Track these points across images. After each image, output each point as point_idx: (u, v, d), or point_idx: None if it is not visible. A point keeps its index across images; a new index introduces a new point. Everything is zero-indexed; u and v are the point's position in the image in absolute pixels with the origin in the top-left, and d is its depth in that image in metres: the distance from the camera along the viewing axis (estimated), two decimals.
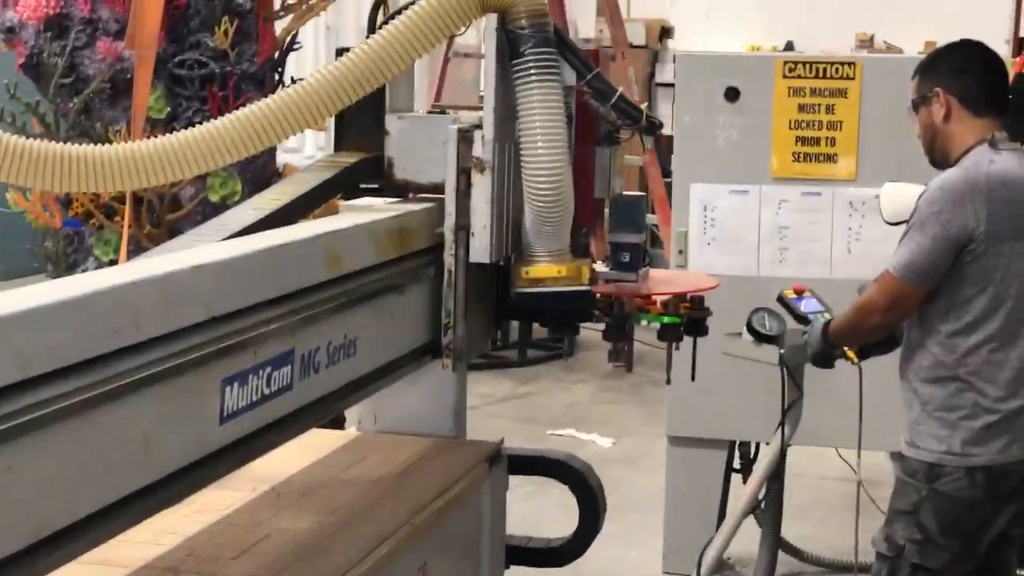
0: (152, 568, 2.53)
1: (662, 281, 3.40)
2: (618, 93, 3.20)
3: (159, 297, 2.15)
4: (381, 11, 3.24)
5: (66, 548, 1.97)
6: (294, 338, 2.50)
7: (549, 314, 3.27)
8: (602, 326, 3.39)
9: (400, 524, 2.87)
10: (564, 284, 3.11)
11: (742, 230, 5.30)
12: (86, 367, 1.97)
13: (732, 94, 5.30)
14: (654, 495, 5.84)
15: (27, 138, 5.80)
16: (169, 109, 5.96)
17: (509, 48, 3.05)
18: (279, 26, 6.14)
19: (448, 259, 3.06)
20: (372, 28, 3.20)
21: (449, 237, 3.06)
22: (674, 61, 11.62)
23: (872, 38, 12.28)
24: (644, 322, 3.29)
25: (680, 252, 5.41)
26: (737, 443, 5.38)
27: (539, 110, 3.00)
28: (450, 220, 3.06)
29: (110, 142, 6.12)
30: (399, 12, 2.89)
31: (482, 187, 3.08)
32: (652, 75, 12.62)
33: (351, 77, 2.72)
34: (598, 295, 3.21)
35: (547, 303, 3.13)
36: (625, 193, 3.43)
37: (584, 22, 11.86)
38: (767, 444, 4.43)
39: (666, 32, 12.94)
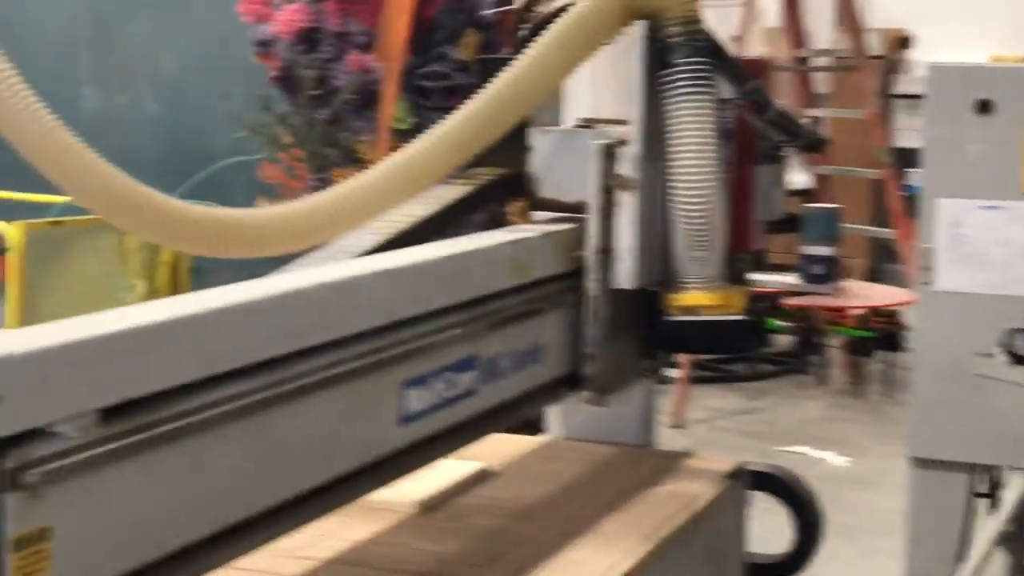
0: (407, 572, 2.58)
1: (855, 294, 3.31)
2: (778, 107, 3.06)
3: (341, 300, 2.23)
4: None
5: (246, 539, 2.06)
6: (476, 343, 2.56)
7: (701, 345, 3.14)
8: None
9: (645, 539, 2.83)
10: (717, 312, 2.97)
11: (992, 247, 5.12)
12: (268, 367, 2.06)
13: (984, 107, 5.13)
14: (891, 517, 5.70)
15: (275, 152, 6.02)
16: (414, 120, 6.14)
17: (659, 58, 2.91)
18: None
19: (590, 284, 2.94)
20: (517, 39, 3.16)
21: (591, 260, 2.93)
22: (912, 71, 11.32)
23: None
24: (835, 335, 3.21)
25: (925, 269, 5.27)
26: (983, 467, 5.21)
27: (689, 125, 2.85)
28: (592, 242, 2.93)
29: (357, 152, 6.38)
30: (545, 22, 2.84)
31: (627, 207, 2.94)
32: (889, 86, 12.31)
33: (498, 108, 2.66)
34: (786, 308, 3.14)
35: (699, 333, 3.01)
36: (819, 205, 3.33)
37: (821, 32, 11.65)
38: (1015, 468, 4.27)
39: (905, 42, 12.60)
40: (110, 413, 1.75)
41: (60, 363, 1.67)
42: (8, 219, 6.49)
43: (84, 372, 1.71)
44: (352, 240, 2.69)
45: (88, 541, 1.72)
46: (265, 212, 2.59)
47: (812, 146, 3.14)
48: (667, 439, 7.05)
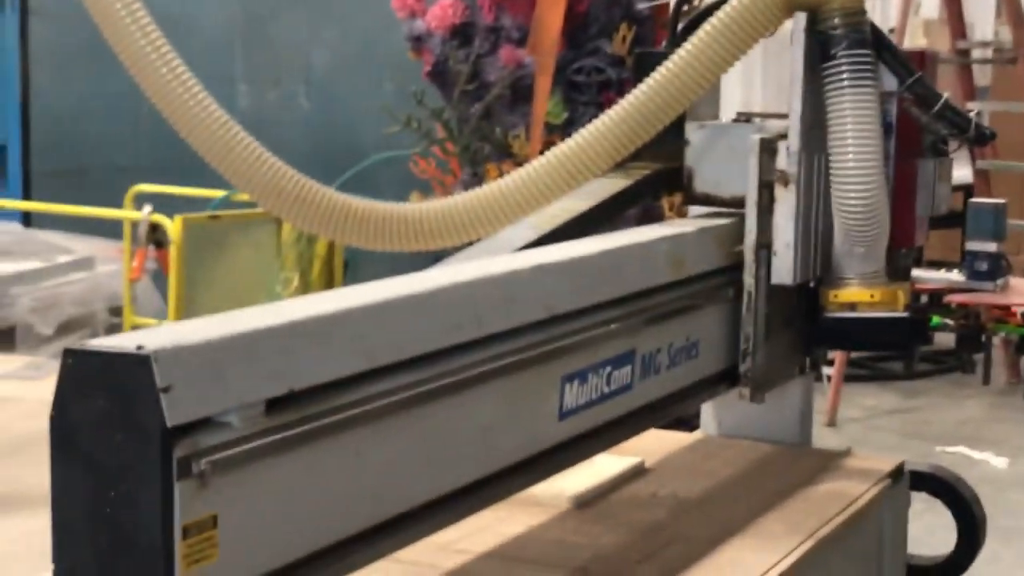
0: (562, 567, 2.59)
1: (1021, 292, 3.22)
2: (943, 99, 2.94)
3: (501, 294, 2.23)
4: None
5: (404, 532, 2.07)
6: (635, 338, 2.54)
7: (861, 342, 3.08)
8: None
9: (804, 537, 2.80)
10: (878, 309, 2.93)
11: None
12: (428, 360, 2.07)
13: None
14: None
15: (428, 147, 6.07)
16: (567, 114, 6.14)
17: (820, 50, 2.86)
18: None
19: (748, 280, 2.91)
20: (674, 33, 3.13)
21: (749, 256, 2.91)
22: None
23: None
24: (1001, 333, 3.12)
25: None
26: None
27: (851, 118, 2.80)
28: (750, 237, 2.90)
29: (510, 147, 6.39)
30: (703, 16, 2.82)
31: (786, 202, 2.91)
32: None
33: (656, 104, 2.65)
34: (952, 305, 3.07)
35: (859, 330, 2.96)
36: (983, 200, 3.24)
37: (982, 23, 11.37)
38: None
39: None
40: (275, 404, 1.77)
41: (228, 354, 1.70)
42: (169, 214, 6.63)
43: (251, 364, 1.74)
44: (510, 234, 2.70)
45: (253, 530, 1.75)
46: (426, 206, 2.62)
47: (980, 140, 3.04)
48: (820, 437, 6.96)
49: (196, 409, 1.64)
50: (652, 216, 5.42)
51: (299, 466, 1.82)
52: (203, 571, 1.65)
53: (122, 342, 1.61)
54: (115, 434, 1.60)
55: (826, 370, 7.29)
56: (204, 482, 1.63)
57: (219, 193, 6.97)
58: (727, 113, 3.37)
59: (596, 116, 2.68)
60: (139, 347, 1.59)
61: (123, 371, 1.59)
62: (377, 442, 1.97)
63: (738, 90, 7.63)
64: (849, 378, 7.81)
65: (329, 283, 7.29)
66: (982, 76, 10.25)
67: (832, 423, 7.41)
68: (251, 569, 1.75)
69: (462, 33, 6.35)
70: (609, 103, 2.71)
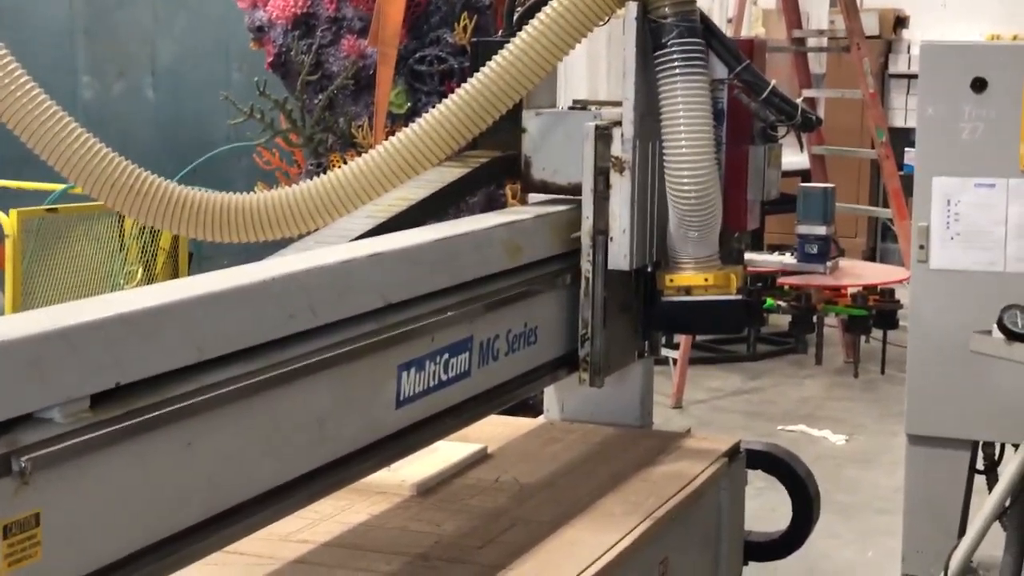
0: (404, 554, 2.60)
1: (851, 273, 3.30)
2: (770, 87, 3.00)
3: (335, 284, 2.23)
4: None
5: (240, 523, 2.06)
6: (472, 325, 2.55)
7: (697, 325, 3.13)
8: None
9: (643, 517, 2.85)
10: (713, 293, 2.98)
11: (988, 225, 5.11)
12: (261, 351, 2.06)
13: (979, 85, 5.10)
14: (890, 495, 5.71)
15: (272, 138, 5.97)
16: (410, 104, 6.13)
17: (651, 39, 2.90)
18: None
19: (585, 266, 2.94)
20: (510, 21, 3.15)
21: (586, 242, 2.93)
22: (908, 51, 11.31)
23: None
24: (832, 314, 3.19)
25: (921, 247, 5.25)
26: (981, 444, 5.21)
27: (683, 105, 2.85)
28: (587, 224, 2.92)
29: (353, 137, 6.37)
30: (538, 5, 2.84)
31: (621, 189, 2.93)
32: (885, 66, 12.30)
33: (493, 91, 2.67)
34: (785, 287, 3.13)
35: (694, 313, 3.02)
36: (812, 184, 3.32)
37: (817, 13, 11.62)
38: (1013, 445, 4.28)
39: (900, 22, 12.58)
40: (101, 398, 1.75)
41: (50, 349, 1.67)
42: (4, 207, 6.49)
43: (74, 358, 1.71)
44: (347, 224, 2.69)
45: (80, 527, 1.72)
46: (263, 197, 2.60)
47: (806, 126, 3.11)
48: (667, 420, 7.07)
49: (15, 405, 1.61)
50: (495, 204, 5.44)
51: (128, 460, 1.80)
52: (25, 571, 1.62)
53: None
54: None
55: (672, 353, 7.40)
56: (25, 479, 1.61)
57: (58, 186, 6.84)
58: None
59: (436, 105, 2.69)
60: None
61: None
62: (209, 433, 1.96)
63: (584, 79, 7.70)
64: (694, 361, 7.93)
65: (174, 275, 7.18)
66: (818, 64, 10.48)
67: (678, 405, 7.52)
68: (78, 567, 1.72)
69: (304, 23, 6.29)
70: (451, 92, 2.73)
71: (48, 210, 6.74)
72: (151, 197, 2.42)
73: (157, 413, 1.83)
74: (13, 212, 6.43)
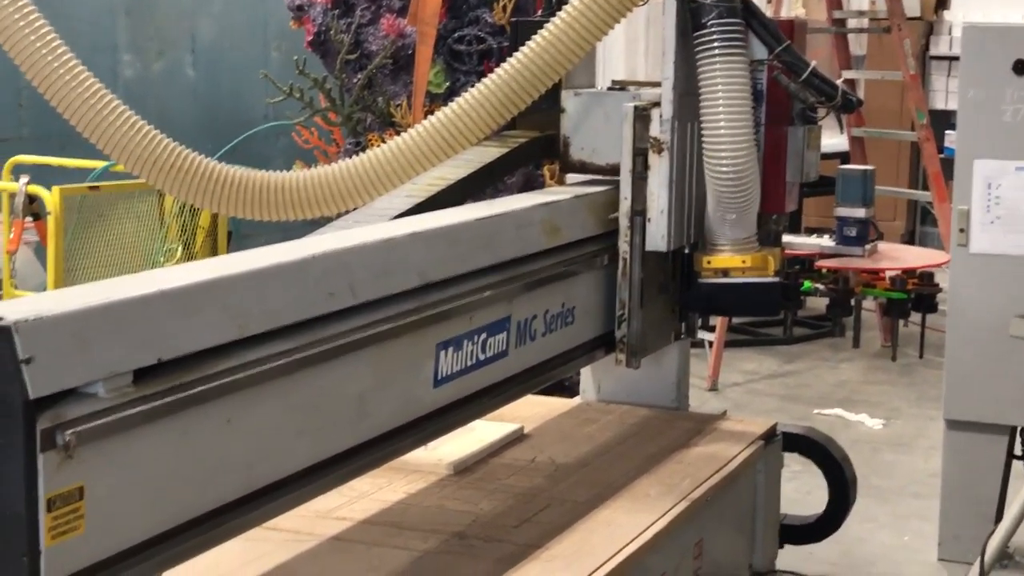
0: (441, 532, 2.62)
1: (890, 256, 3.29)
2: (811, 68, 3.00)
3: (375, 263, 2.24)
4: None
5: (279, 500, 2.07)
6: (510, 305, 2.56)
7: (734, 307, 3.13)
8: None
9: (678, 499, 2.86)
10: (750, 275, 2.99)
11: None
12: (301, 328, 2.07)
13: (1021, 67, 5.06)
14: (926, 480, 5.67)
15: (311, 117, 5.95)
16: (448, 84, 6.13)
17: (691, 19, 2.90)
18: None
19: (623, 246, 2.95)
20: (549, 1, 3.14)
21: (624, 223, 2.94)
22: (950, 32, 11.21)
23: None
24: (870, 298, 3.18)
25: (961, 231, 5.22)
26: (1020, 429, 5.18)
27: (722, 86, 2.85)
28: (625, 205, 2.93)
29: (392, 116, 6.38)
30: None
31: (659, 170, 2.94)
32: (926, 47, 12.21)
33: (533, 71, 2.67)
34: (823, 270, 3.12)
35: (731, 295, 3.02)
36: (852, 166, 3.30)
37: None
38: None
39: (942, 3, 12.47)
40: (144, 374, 1.77)
41: (94, 325, 1.69)
42: (47, 184, 6.53)
43: (118, 334, 1.72)
44: (386, 203, 2.71)
45: (121, 501, 1.74)
46: (303, 175, 2.62)
47: (847, 107, 3.10)
48: (702, 402, 7.05)
49: (60, 380, 1.63)
50: (532, 185, 5.44)
51: (169, 436, 1.81)
52: (69, 543, 1.64)
53: None
54: None
55: (707, 336, 7.37)
56: (69, 453, 1.62)
57: (100, 164, 6.87)
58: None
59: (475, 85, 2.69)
60: None
61: None
62: (249, 410, 1.97)
63: (623, 60, 7.67)
64: (730, 343, 7.90)
65: (213, 254, 7.21)
66: (858, 45, 10.40)
67: (714, 388, 7.48)
68: (120, 540, 1.74)
69: (343, 2, 6.30)
70: (489, 72, 2.73)
71: (90, 188, 6.77)
72: (192, 175, 2.44)
73: (198, 389, 1.85)
74: (55, 189, 6.47)
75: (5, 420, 1.58)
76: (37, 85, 2.32)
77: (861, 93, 8.99)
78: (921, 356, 7.84)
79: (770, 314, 3.12)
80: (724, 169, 2.89)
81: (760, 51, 2.99)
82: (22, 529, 1.59)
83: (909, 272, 3.10)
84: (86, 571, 1.68)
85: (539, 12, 3.29)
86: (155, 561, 1.81)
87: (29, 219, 6.55)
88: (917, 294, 3.09)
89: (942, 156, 7.50)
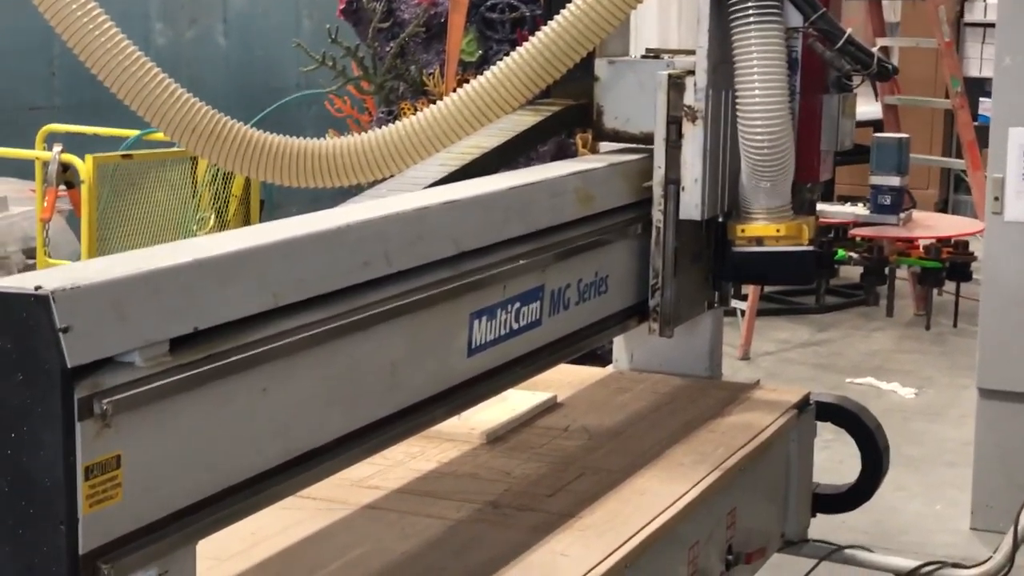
0: (474, 501, 2.63)
1: (924, 225, 3.26)
2: (846, 35, 2.97)
3: (409, 231, 2.24)
4: None
5: (313, 468, 2.08)
6: (544, 274, 2.56)
7: (768, 275, 3.12)
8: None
9: (712, 468, 2.87)
10: (784, 243, 2.98)
11: None
12: (335, 297, 2.08)
13: None
14: (959, 448, 5.67)
15: (343, 83, 5.96)
16: (481, 52, 6.12)
17: None
18: None
19: (657, 215, 2.93)
20: None
21: (658, 192, 2.92)
22: None
23: None
24: (904, 266, 3.16)
25: (996, 199, 5.18)
26: None
27: (757, 54, 2.84)
28: (659, 173, 2.92)
29: (424, 85, 6.37)
30: None
31: (694, 138, 2.93)
32: (961, 14, 12.11)
33: (567, 40, 2.66)
34: (857, 239, 3.10)
35: (765, 263, 3.01)
36: (886, 134, 3.27)
37: None
38: None
39: None
40: (180, 343, 1.77)
41: (130, 293, 1.70)
42: (80, 153, 6.55)
43: (154, 302, 1.73)
44: (420, 171, 2.71)
45: (159, 469, 1.75)
46: (338, 143, 2.62)
47: (882, 75, 3.08)
48: (735, 371, 7.05)
49: (97, 349, 1.64)
50: (566, 153, 5.43)
51: (205, 404, 1.82)
52: (107, 511, 1.65)
53: (21, 282, 1.60)
54: (15, 374, 1.59)
55: (740, 304, 7.37)
56: (107, 422, 1.63)
57: (133, 132, 6.90)
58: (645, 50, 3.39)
59: (510, 54, 2.69)
60: (37, 287, 1.58)
61: (22, 311, 1.58)
62: (284, 379, 1.98)
63: (655, 28, 7.64)
64: (762, 312, 7.89)
65: (246, 222, 7.23)
66: (892, 12, 10.33)
67: (746, 357, 7.48)
68: (157, 509, 1.75)
69: None
70: (523, 40, 2.72)
71: (123, 156, 6.80)
72: (229, 141, 2.46)
73: (233, 358, 1.85)
74: (89, 158, 6.49)
75: (43, 389, 1.58)
76: (78, 53, 2.33)
77: (895, 60, 8.93)
78: (955, 325, 7.84)
79: (804, 283, 3.11)
80: (759, 138, 2.87)
81: (795, 18, 2.96)
82: (60, 497, 1.60)
83: (943, 241, 3.07)
84: (123, 539, 1.69)
85: None
86: (191, 529, 1.82)
87: (62, 188, 6.58)
88: (951, 263, 3.06)
89: (976, 124, 7.47)
